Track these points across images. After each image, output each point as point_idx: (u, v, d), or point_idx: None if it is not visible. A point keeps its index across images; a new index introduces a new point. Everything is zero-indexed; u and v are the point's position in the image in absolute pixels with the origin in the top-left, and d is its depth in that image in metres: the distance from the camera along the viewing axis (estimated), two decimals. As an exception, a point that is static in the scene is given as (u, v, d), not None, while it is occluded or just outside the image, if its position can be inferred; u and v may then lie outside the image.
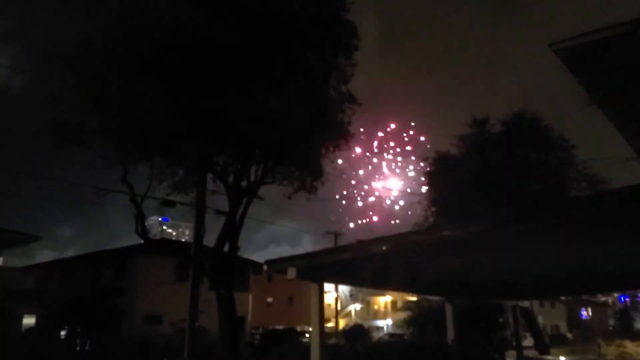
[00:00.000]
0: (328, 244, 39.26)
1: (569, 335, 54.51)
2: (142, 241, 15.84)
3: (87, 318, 19.94)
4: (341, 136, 15.16)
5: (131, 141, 13.34)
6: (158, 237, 58.04)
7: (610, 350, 22.53)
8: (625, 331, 39.23)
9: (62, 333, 21.03)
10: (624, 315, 46.71)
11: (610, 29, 6.40)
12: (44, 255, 77.60)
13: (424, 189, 19.93)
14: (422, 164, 30.78)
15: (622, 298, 57.60)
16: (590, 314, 66.64)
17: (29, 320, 25.60)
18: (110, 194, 14.84)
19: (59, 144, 13.39)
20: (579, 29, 6.70)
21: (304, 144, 14.02)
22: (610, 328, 48.34)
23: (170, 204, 16.72)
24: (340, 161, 15.81)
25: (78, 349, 20.42)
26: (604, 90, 7.63)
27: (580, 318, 64.34)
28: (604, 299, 71.39)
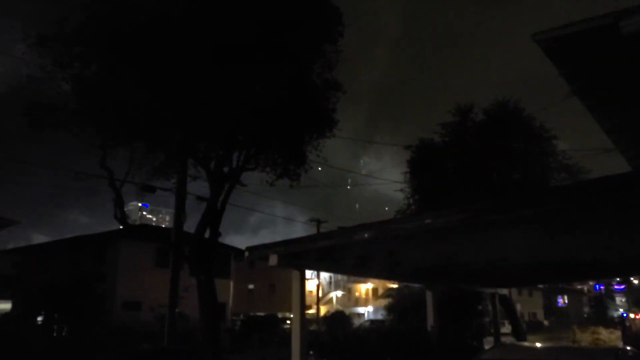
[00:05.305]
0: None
1: (546, 322, 55.79)
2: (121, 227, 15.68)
3: (64, 304, 19.68)
4: (325, 123, 15.09)
5: (111, 124, 13.08)
6: (138, 222, 57.50)
7: (585, 336, 23.09)
8: (599, 318, 40.29)
9: (39, 319, 20.73)
10: (599, 303, 47.96)
11: (592, 20, 6.39)
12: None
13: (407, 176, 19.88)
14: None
15: (597, 286, 58.97)
16: (566, 301, 68.16)
17: (4, 306, 25.19)
18: (89, 178, 14.65)
19: (35, 127, 13.01)
20: (571, 19, 6.69)
21: (288, 130, 13.92)
22: (585, 315, 49.58)
23: (151, 189, 16.55)
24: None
25: (55, 335, 20.18)
26: (585, 83, 7.66)
27: (556, 306, 65.77)
28: (579, 287, 73.13)
